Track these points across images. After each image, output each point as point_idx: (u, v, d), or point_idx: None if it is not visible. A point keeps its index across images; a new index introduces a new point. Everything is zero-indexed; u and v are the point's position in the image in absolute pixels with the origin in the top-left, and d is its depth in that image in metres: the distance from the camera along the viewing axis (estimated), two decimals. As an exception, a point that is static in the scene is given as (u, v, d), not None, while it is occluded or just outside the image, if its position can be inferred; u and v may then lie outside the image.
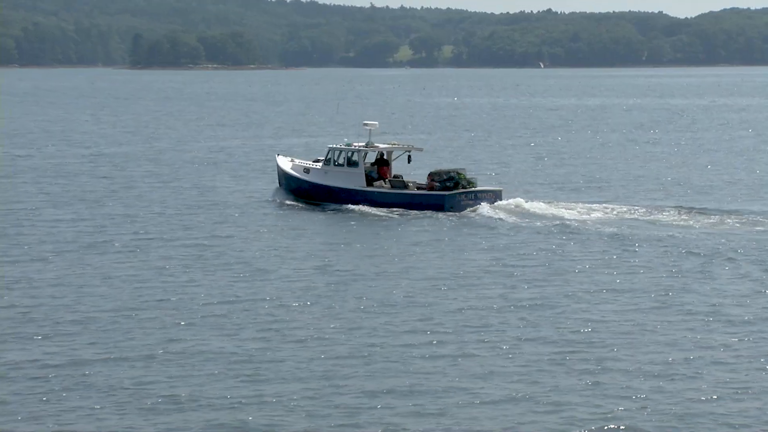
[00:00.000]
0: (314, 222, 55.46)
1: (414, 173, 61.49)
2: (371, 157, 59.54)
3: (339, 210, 57.31)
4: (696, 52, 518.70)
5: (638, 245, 47.32)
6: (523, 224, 52.66)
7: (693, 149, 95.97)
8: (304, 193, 60.47)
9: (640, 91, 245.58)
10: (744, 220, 53.84)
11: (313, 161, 62.59)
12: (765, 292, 38.74)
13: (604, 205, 58.14)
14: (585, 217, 54.37)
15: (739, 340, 32.85)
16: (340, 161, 59.40)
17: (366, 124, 61.66)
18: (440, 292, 38.67)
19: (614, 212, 55.80)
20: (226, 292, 38.43)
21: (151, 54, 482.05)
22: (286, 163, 62.92)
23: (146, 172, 76.36)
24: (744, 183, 70.41)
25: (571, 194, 64.11)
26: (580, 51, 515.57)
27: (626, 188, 68.21)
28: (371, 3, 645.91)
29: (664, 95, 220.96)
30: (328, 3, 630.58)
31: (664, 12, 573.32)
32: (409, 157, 60.51)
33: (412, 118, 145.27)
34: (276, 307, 36.14)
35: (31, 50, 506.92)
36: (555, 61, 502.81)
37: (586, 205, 57.69)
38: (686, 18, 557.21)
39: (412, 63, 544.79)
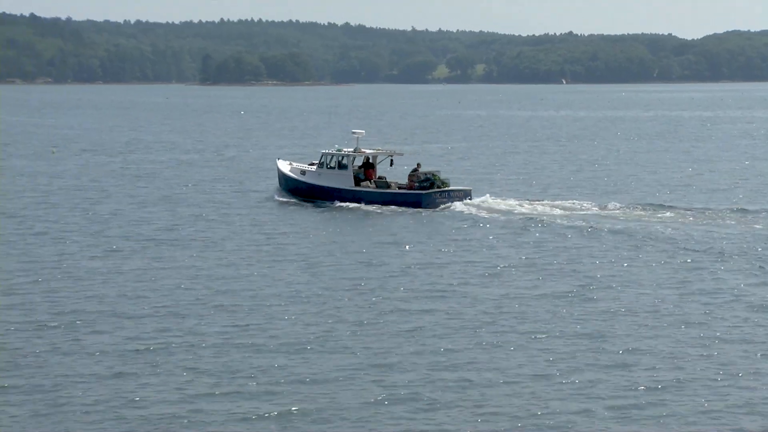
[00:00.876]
0: (309, 217, 56.15)
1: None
2: (359, 161, 60.48)
3: (331, 207, 58.43)
4: (701, 70, 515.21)
5: (596, 236, 48.21)
6: (489, 217, 53.92)
7: (693, 155, 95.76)
8: (301, 192, 61.34)
9: (651, 104, 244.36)
10: (731, 217, 54.05)
11: (309, 164, 63.38)
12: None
13: (572, 201, 59.00)
14: (545, 210, 55.33)
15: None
16: (332, 164, 60.41)
17: (354, 132, 63.52)
18: (414, 276, 39.58)
19: (581, 208, 56.32)
20: (264, 272, 39.38)
21: (219, 72, 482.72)
22: (285, 166, 63.85)
23: (216, 176, 76.97)
24: (740, 185, 70.43)
25: (541, 193, 64.76)
26: (598, 69, 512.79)
27: (610, 188, 68.58)
28: (412, 27, 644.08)
29: (672, 108, 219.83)
30: (374, 27, 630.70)
31: (673, 34, 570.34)
32: (392, 160, 61.83)
33: (445, 127, 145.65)
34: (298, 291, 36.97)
35: (113, 69, 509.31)
36: (576, 78, 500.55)
37: (552, 202, 58.57)
38: (693, 39, 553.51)
39: (449, 80, 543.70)
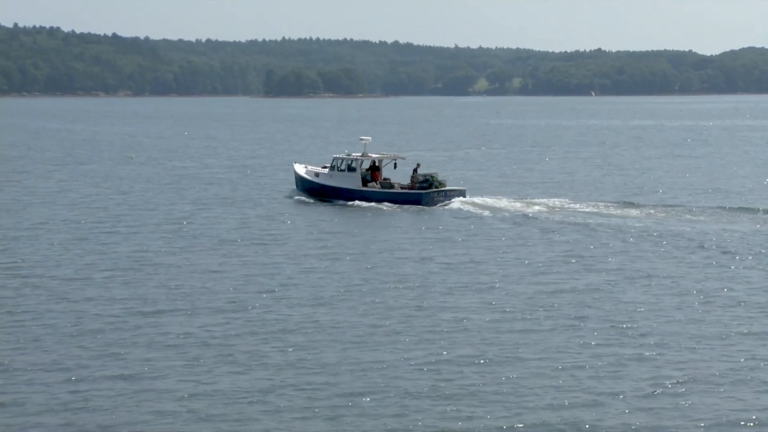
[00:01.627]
0: (324, 213, 57.23)
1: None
2: (366, 164, 61.83)
3: (342, 205, 59.60)
4: (719, 83, 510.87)
5: (590, 233, 48.34)
6: (483, 214, 54.97)
7: (708, 160, 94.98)
8: (315, 192, 62.65)
9: (673, 114, 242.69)
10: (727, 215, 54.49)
11: (322, 167, 64.74)
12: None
13: (559, 199, 59.87)
14: (530, 208, 56.44)
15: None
16: (342, 167, 61.86)
17: (362, 139, 64.65)
18: (419, 264, 40.76)
19: (567, 207, 57.29)
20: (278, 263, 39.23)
21: (281, 85, 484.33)
22: (301, 169, 65.30)
23: (279, 179, 77.12)
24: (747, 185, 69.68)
25: (536, 193, 65.34)
26: (624, 82, 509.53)
27: (607, 189, 68.42)
28: (455, 44, 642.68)
29: (692, 118, 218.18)
30: (421, 44, 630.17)
31: (693, 50, 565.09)
32: (395, 164, 63.21)
33: (485, 134, 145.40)
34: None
35: (185, 83, 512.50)
36: (604, 91, 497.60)
37: (541, 200, 59.43)
38: (711, 55, 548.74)
39: (488, 92, 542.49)
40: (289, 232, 49.47)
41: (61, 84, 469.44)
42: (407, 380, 25.43)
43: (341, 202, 60.16)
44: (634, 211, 55.13)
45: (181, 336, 29.59)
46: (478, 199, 58.87)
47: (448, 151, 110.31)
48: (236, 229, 50.50)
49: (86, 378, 25.57)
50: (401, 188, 59.97)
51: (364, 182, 60.71)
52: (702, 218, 53.19)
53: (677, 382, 25.26)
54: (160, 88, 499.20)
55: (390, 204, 58.38)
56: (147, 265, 40.25)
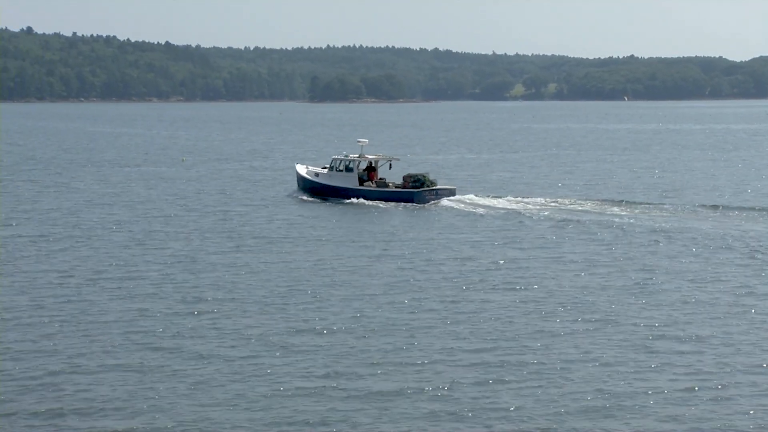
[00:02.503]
0: (324, 210, 58.57)
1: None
2: (363, 165, 63.32)
3: (340, 202, 60.93)
4: (749, 88, 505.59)
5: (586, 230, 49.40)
6: (472, 210, 56.57)
7: (728, 163, 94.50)
8: (315, 191, 64.11)
9: (704, 118, 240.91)
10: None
11: (322, 167, 66.31)
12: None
13: (544, 198, 61.20)
14: (521, 207, 57.58)
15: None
16: (341, 168, 63.40)
17: (359, 141, 66.37)
18: (414, 255, 42.67)
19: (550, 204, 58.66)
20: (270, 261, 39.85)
21: (325, 91, 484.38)
22: (302, 169, 66.87)
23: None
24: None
25: (524, 191, 67.32)
26: (656, 87, 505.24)
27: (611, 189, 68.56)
28: (493, 51, 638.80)
29: (722, 122, 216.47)
30: (459, 51, 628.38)
31: (723, 56, 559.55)
32: (390, 164, 64.68)
33: (518, 137, 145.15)
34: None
35: (234, 89, 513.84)
36: (636, 96, 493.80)
37: (532, 199, 60.81)
38: (741, 61, 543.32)
39: (525, 97, 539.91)
40: (288, 229, 50.27)
41: (116, 90, 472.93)
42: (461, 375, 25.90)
43: (339, 200, 61.59)
44: (616, 209, 56.46)
45: (226, 333, 29.91)
46: (467, 197, 60.62)
47: (462, 153, 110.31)
48: (240, 227, 51.23)
49: (152, 374, 25.82)
50: (395, 187, 61.54)
51: (361, 182, 62.20)
52: (709, 217, 53.76)
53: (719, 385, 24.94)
54: (211, 94, 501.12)
55: (384, 202, 60.07)
56: (197, 264, 40.86)
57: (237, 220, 53.61)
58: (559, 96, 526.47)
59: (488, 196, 61.86)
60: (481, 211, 56.31)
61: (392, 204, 59.44)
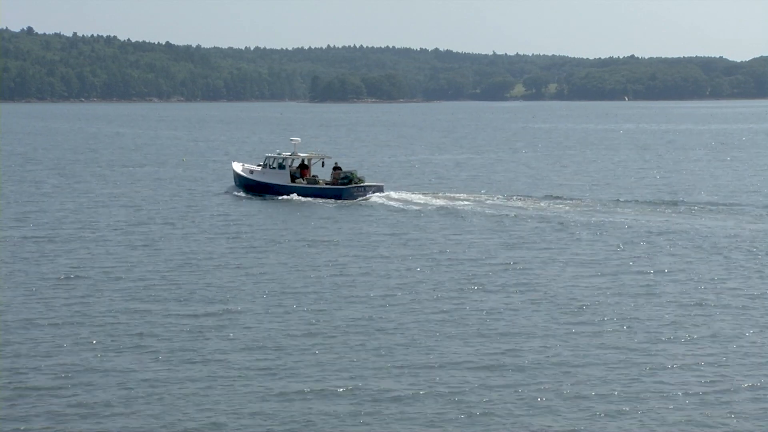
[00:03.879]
0: (258, 206, 60.18)
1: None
2: (297, 163, 65.18)
3: (273, 199, 62.58)
4: (749, 88, 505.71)
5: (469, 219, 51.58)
6: (398, 206, 58.56)
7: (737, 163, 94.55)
8: (250, 188, 65.71)
9: (705, 118, 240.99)
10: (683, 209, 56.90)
11: (257, 165, 67.92)
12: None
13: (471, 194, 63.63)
14: (436, 201, 59.86)
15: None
16: (274, 165, 65.17)
17: (292, 140, 68.12)
18: (339, 249, 44.28)
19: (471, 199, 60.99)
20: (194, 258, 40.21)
21: (326, 91, 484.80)
22: (238, 167, 68.65)
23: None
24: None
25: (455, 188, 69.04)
26: (656, 87, 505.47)
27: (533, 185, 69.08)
28: (493, 51, 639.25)
29: (723, 121, 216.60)
30: (460, 51, 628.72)
31: (723, 57, 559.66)
32: (323, 162, 66.50)
33: (516, 136, 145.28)
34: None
35: (235, 89, 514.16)
36: (637, 96, 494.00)
37: (448, 194, 63.15)
38: (741, 61, 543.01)
39: (525, 97, 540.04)
40: (207, 223, 51.92)
41: (117, 90, 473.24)
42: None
43: (272, 196, 63.21)
44: (543, 204, 58.98)
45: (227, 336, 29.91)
46: (394, 194, 62.59)
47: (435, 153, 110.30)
48: (164, 222, 52.25)
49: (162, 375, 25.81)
50: (326, 184, 63.41)
51: (293, 179, 63.97)
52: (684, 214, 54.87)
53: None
54: (211, 94, 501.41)
55: (315, 198, 61.99)
56: (196, 266, 40.93)
57: (165, 215, 55.19)
58: (559, 96, 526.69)
59: (416, 193, 63.77)
60: (404, 206, 58.32)
61: (322, 200, 61.42)
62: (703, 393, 24.09)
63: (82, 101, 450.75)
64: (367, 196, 61.65)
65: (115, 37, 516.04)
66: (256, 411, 22.81)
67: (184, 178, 79.63)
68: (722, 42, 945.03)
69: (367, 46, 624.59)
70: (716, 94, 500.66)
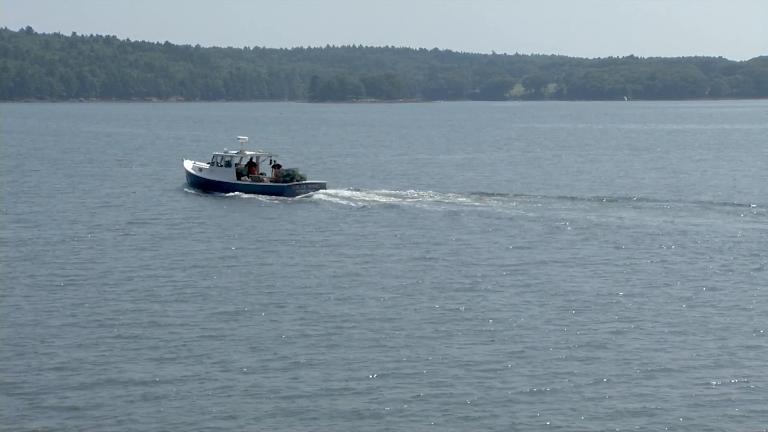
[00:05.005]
0: (204, 202, 62.44)
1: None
2: (245, 161, 66.92)
3: (220, 196, 64.46)
4: (749, 88, 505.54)
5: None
6: (335, 201, 60.92)
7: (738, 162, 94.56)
8: (199, 185, 67.84)
9: (704, 118, 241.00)
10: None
11: (206, 163, 69.80)
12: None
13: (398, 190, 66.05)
14: (373, 198, 62.17)
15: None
16: (221, 163, 67.19)
17: (239, 138, 70.23)
18: (275, 243, 46.10)
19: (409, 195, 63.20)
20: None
21: (325, 91, 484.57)
22: (189, 165, 70.80)
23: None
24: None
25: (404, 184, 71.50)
26: (656, 87, 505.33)
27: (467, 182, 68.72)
28: (493, 51, 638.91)
29: (722, 122, 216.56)
30: (459, 51, 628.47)
31: (723, 57, 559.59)
32: (271, 161, 67.42)
33: (515, 135, 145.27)
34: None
35: (234, 88, 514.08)
36: (636, 96, 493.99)
37: (384, 191, 65.42)
38: (741, 61, 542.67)
39: (524, 97, 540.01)
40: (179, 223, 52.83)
41: (116, 90, 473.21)
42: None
43: (219, 193, 65.02)
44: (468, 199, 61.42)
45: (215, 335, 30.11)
46: (335, 191, 64.34)
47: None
48: (119, 224, 52.51)
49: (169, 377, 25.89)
50: (270, 181, 65.14)
51: (239, 176, 65.66)
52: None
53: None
54: (210, 94, 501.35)
55: (258, 195, 63.63)
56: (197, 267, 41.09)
57: (113, 211, 56.91)
58: (558, 96, 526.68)
59: (360, 190, 65.56)
60: (347, 203, 60.02)
61: (265, 197, 63.07)
62: (703, 394, 24.14)
63: (81, 101, 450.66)
64: (309, 193, 63.31)
65: (114, 36, 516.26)
66: (254, 413, 22.93)
67: (139, 175, 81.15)
68: (722, 42, 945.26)
69: (366, 46, 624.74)
70: (716, 94, 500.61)
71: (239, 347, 27.83)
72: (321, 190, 64.02)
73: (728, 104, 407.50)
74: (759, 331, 29.78)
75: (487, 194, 64.29)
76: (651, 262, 40.85)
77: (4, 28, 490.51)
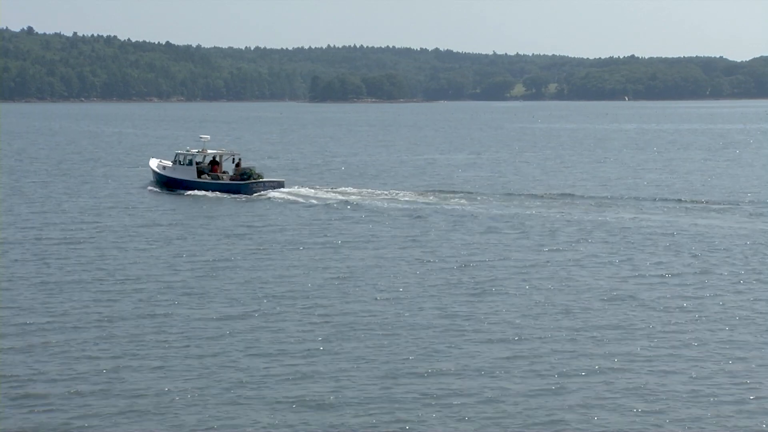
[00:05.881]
0: (166, 198, 63.70)
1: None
2: (208, 159, 68.00)
3: (181, 193, 65.72)
4: (749, 88, 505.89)
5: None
6: (296, 200, 61.38)
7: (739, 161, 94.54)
8: (162, 183, 68.93)
9: (703, 118, 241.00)
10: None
11: (171, 161, 70.81)
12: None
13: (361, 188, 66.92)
14: (334, 196, 62.88)
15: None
16: (184, 162, 68.25)
17: (201, 137, 72.19)
18: (234, 239, 46.99)
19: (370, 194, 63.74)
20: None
21: (326, 91, 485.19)
22: (154, 163, 72.17)
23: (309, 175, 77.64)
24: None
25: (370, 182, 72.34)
26: (656, 87, 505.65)
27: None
28: (493, 51, 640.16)
29: (722, 122, 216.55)
30: (460, 51, 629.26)
31: (723, 57, 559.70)
32: (233, 159, 68.82)
33: (518, 136, 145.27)
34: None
35: (235, 88, 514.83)
36: (637, 96, 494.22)
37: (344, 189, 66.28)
38: (742, 61, 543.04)
39: (525, 97, 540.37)
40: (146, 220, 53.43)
41: (117, 90, 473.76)
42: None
43: (181, 190, 66.21)
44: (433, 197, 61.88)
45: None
46: (293, 189, 65.17)
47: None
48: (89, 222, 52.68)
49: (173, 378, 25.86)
50: (230, 179, 66.29)
51: (200, 174, 66.83)
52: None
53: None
54: (211, 94, 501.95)
55: (217, 193, 64.80)
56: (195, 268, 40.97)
57: (83, 209, 57.16)
58: (559, 96, 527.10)
59: (316, 188, 66.47)
60: (303, 200, 60.73)
61: (223, 194, 64.27)
62: (709, 392, 24.04)
63: (82, 101, 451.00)
64: (266, 191, 64.22)
65: (115, 36, 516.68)
66: (252, 416, 22.80)
67: (108, 175, 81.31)
68: (722, 42, 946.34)
69: (367, 46, 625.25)
70: (716, 94, 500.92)
71: (238, 346, 27.66)
72: (279, 188, 64.92)
73: (729, 104, 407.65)
74: (760, 331, 29.68)
75: (443, 192, 64.71)
76: (651, 262, 40.63)
77: (4, 28, 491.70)
